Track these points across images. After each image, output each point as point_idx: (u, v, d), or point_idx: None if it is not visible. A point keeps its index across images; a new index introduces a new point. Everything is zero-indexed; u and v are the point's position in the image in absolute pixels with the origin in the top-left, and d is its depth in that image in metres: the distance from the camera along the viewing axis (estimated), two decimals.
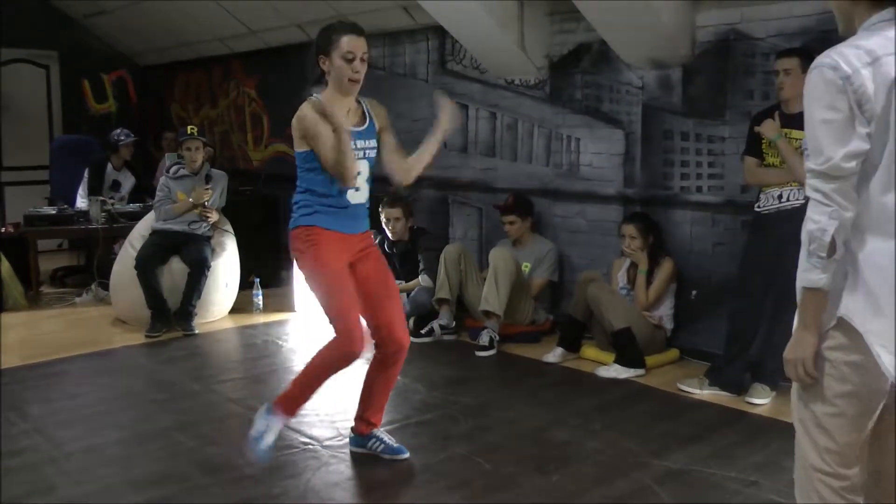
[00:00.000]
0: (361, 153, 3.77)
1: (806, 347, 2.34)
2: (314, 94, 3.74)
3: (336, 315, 3.70)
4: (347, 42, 3.65)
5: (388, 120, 3.97)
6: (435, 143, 3.92)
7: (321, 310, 3.76)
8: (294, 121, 3.75)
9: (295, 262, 4.01)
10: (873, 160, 2.16)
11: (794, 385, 2.47)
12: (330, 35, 3.69)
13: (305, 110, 3.70)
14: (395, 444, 4.10)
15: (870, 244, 2.20)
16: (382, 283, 3.93)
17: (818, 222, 2.20)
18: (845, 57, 2.15)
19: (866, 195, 2.19)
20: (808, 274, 2.26)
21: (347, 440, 4.20)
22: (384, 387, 4.07)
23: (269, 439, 3.82)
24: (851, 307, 2.22)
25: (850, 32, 2.30)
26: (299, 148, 3.81)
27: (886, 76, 2.12)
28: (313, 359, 3.81)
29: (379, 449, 4.10)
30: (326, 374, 3.79)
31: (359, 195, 3.84)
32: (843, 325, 2.24)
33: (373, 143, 3.84)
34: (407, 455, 4.08)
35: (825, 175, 2.17)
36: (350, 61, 3.66)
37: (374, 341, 3.93)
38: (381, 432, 4.15)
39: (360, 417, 4.12)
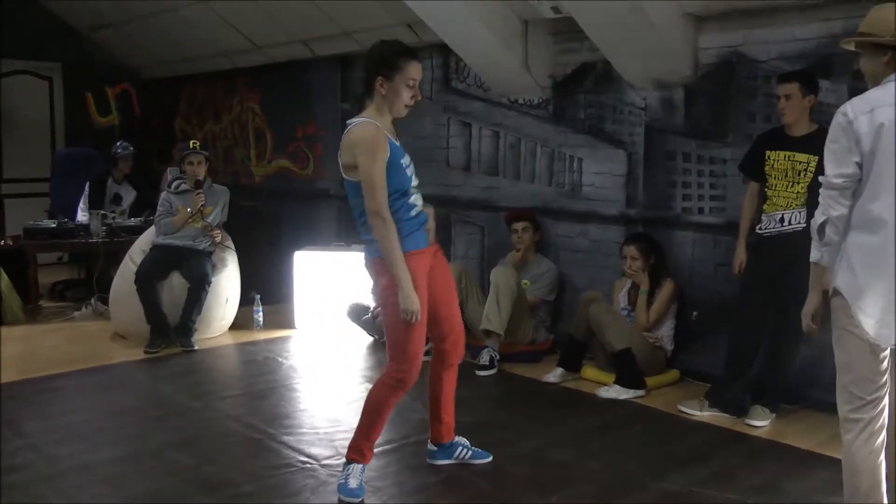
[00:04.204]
0: (412, 168, 3.80)
1: (810, 305, 3.30)
2: (365, 118, 3.69)
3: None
4: (414, 69, 3.68)
5: None
6: None
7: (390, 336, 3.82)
8: (354, 139, 3.65)
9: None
10: (863, 179, 3.04)
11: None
12: (394, 59, 3.66)
13: (370, 130, 3.63)
14: (478, 448, 4.25)
15: (856, 236, 3.07)
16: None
17: (816, 217, 3.14)
18: (853, 105, 3.06)
19: (856, 202, 3.06)
20: (812, 252, 3.18)
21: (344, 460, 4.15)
22: (451, 385, 4.17)
23: (353, 483, 3.85)
24: (841, 281, 3.10)
25: (875, 85, 3.13)
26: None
27: (876, 122, 2.99)
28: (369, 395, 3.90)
29: (467, 456, 4.21)
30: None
31: (420, 197, 3.86)
32: (838, 293, 3.13)
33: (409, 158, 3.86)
34: (490, 458, 4.23)
35: (826, 185, 3.10)
36: (412, 87, 3.68)
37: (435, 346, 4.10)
38: (461, 438, 4.25)
39: (437, 421, 4.17)
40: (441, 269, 4.00)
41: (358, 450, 3.89)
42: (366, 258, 3.84)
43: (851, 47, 3.26)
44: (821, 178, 3.12)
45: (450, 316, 4.03)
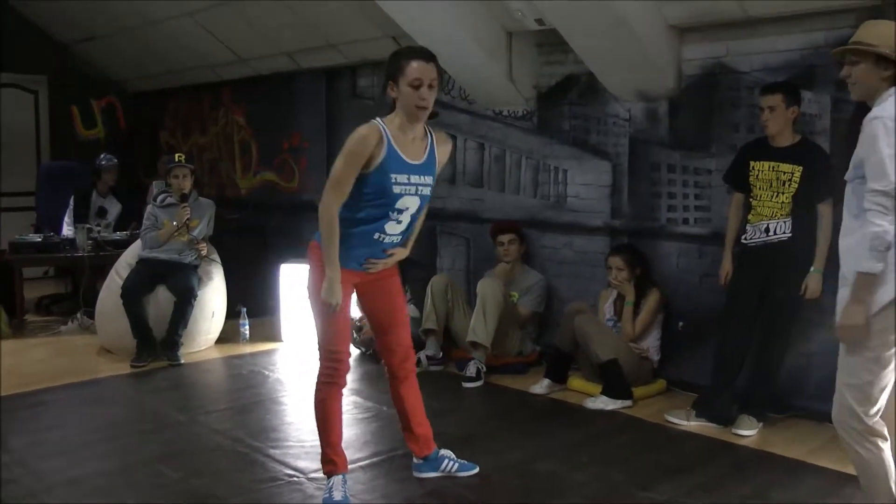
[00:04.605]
0: (414, 189, 3.69)
1: (860, 317, 3.10)
2: (377, 119, 3.66)
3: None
4: (415, 68, 3.57)
5: (447, 160, 3.96)
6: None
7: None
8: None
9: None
10: None
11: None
12: (398, 61, 3.62)
13: (362, 130, 3.61)
14: (465, 461, 4.23)
15: None
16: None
17: (881, 226, 3.00)
18: (884, 110, 3.05)
19: None
20: (870, 263, 3.04)
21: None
22: (414, 397, 4.14)
23: (337, 496, 3.84)
24: None
25: (867, 99, 3.20)
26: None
27: None
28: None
29: (453, 468, 4.19)
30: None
31: (398, 227, 3.78)
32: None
33: (429, 178, 3.75)
34: (477, 469, 4.23)
35: (887, 194, 2.99)
36: (417, 88, 3.57)
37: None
38: (445, 451, 4.24)
39: (411, 435, 4.16)
40: (388, 282, 3.98)
41: (327, 459, 3.89)
42: (310, 244, 3.84)
43: (842, 58, 3.26)
44: (877, 187, 3.02)
45: (394, 328, 4.03)
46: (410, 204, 3.71)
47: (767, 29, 5.21)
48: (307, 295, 3.81)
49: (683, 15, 5.40)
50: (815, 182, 4.71)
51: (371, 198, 3.64)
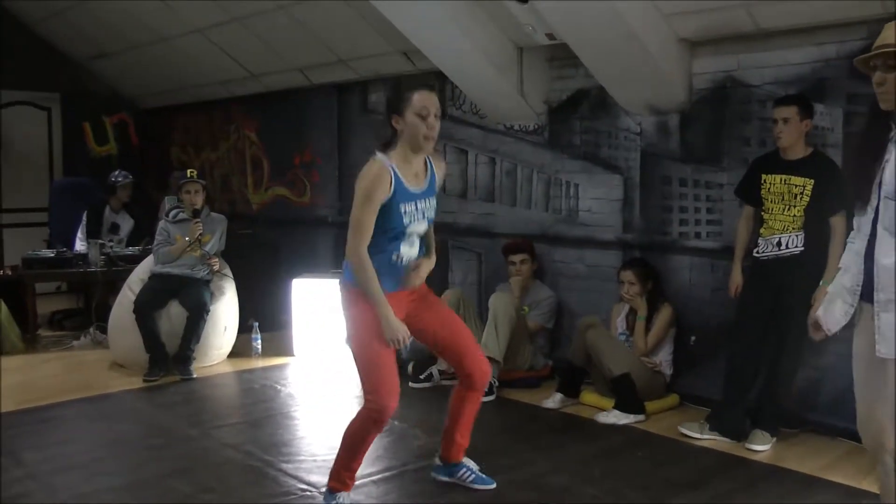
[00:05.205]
0: (421, 214, 3.79)
1: None
2: (378, 155, 3.73)
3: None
4: (420, 99, 3.66)
5: (443, 179, 4.03)
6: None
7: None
8: (360, 175, 3.70)
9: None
10: None
11: None
12: (402, 93, 3.70)
13: (373, 170, 3.67)
14: (484, 475, 4.21)
15: None
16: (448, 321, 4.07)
17: None
18: None
19: None
20: None
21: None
22: (472, 408, 4.14)
23: None
24: None
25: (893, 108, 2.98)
26: None
27: None
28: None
29: (469, 479, 4.19)
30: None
31: (412, 250, 3.86)
32: None
33: (432, 201, 3.86)
34: (494, 485, 4.19)
35: None
36: (424, 118, 3.65)
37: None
38: (469, 461, 4.24)
39: (450, 440, 4.17)
40: (428, 300, 4.03)
41: (340, 479, 3.89)
42: (340, 282, 3.88)
43: (864, 67, 3.02)
44: None
45: (454, 339, 4.03)
46: (419, 228, 3.84)
47: (779, 42, 5.20)
48: (350, 343, 3.84)
49: (694, 28, 5.41)
50: (828, 195, 4.69)
51: (382, 230, 3.71)
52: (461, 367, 4.04)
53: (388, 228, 3.71)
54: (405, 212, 3.72)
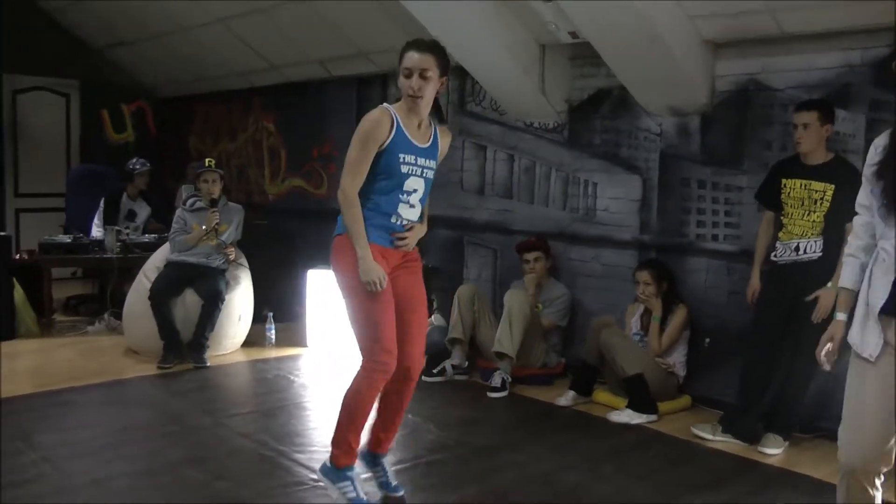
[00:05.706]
0: (419, 170, 3.78)
1: None
2: (386, 104, 3.79)
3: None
4: (407, 59, 3.71)
5: (446, 153, 4.01)
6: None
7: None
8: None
9: None
10: None
11: None
12: (401, 51, 3.76)
13: (373, 114, 3.73)
14: (395, 483, 4.01)
15: None
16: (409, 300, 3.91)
17: None
18: None
19: None
20: None
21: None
22: (405, 401, 3.97)
23: (357, 493, 3.78)
24: None
25: None
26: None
27: None
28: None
29: (380, 479, 4.02)
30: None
31: (412, 212, 3.83)
32: None
33: (433, 162, 3.85)
34: (402, 493, 3.99)
35: None
36: (408, 77, 3.70)
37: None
38: (386, 463, 4.07)
39: (380, 435, 4.01)
40: (413, 271, 3.93)
41: (347, 447, 3.78)
42: (333, 237, 3.84)
43: None
44: None
45: (409, 324, 3.87)
46: (417, 186, 3.80)
47: (803, 46, 5.18)
48: (341, 293, 3.79)
49: (718, 30, 5.40)
50: (848, 201, 4.66)
51: (380, 178, 3.72)
52: (400, 354, 3.80)
53: (387, 177, 3.70)
54: (404, 161, 3.71)
